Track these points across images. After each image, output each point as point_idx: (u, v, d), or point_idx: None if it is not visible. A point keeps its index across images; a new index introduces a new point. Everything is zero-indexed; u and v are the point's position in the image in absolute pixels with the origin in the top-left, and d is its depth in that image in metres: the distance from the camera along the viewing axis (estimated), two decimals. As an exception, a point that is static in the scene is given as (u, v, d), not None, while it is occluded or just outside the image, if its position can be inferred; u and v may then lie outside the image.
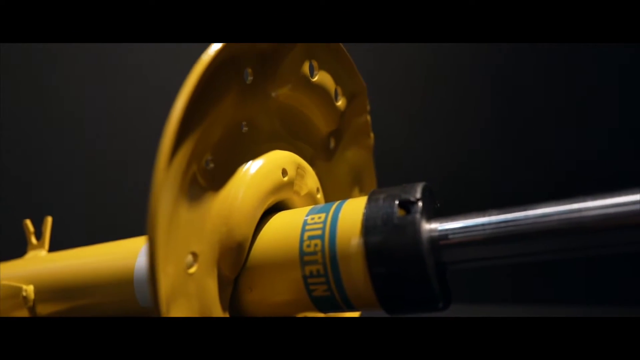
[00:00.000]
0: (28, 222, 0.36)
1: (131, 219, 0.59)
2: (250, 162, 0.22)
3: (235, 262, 0.21)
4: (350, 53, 0.27)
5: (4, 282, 0.31)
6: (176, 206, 0.18)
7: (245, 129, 0.23)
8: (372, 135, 0.32)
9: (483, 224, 0.19)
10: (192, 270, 0.19)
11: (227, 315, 0.21)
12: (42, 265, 0.31)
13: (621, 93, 0.62)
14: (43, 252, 0.35)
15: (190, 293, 0.19)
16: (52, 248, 0.37)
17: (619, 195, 0.17)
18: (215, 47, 0.18)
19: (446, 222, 0.20)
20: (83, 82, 0.63)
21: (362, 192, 0.32)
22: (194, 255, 0.19)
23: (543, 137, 0.63)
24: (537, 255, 0.19)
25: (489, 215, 0.19)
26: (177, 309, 0.18)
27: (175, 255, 0.18)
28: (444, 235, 0.19)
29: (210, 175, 0.20)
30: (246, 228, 0.21)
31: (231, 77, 0.20)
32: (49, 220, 0.35)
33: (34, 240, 0.35)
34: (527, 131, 0.64)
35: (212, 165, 0.20)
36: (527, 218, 0.18)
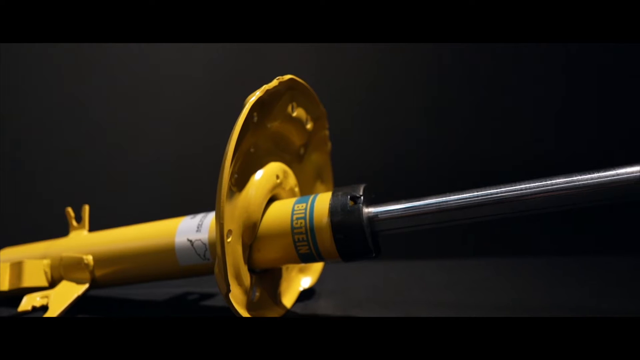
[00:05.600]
0: (69, 209, 0.46)
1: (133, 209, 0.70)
2: (257, 172, 0.35)
3: (251, 234, 0.34)
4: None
5: (64, 254, 0.42)
6: (225, 204, 0.31)
7: (252, 150, 0.35)
8: (329, 143, 0.45)
9: (397, 209, 0.33)
10: (229, 240, 0.32)
11: (246, 266, 0.34)
12: (93, 240, 0.42)
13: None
14: (84, 232, 0.46)
15: (229, 253, 0.32)
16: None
17: (470, 191, 0.32)
18: (246, 107, 0.31)
19: (377, 207, 0.34)
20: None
21: (323, 183, 0.46)
22: (230, 231, 0.32)
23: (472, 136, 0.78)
24: (428, 226, 0.33)
25: (401, 203, 0.33)
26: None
27: (223, 231, 0.31)
28: (376, 215, 0.33)
29: (236, 183, 0.33)
30: (258, 213, 0.34)
31: (250, 121, 0.33)
32: (86, 207, 0.46)
33: (74, 223, 0.46)
34: (456, 130, 0.78)
35: (236, 176, 0.33)
36: (419, 205, 0.32)
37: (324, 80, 0.76)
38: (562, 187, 0.29)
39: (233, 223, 0.32)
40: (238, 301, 0.32)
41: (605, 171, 0.28)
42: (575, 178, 0.29)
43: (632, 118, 0.74)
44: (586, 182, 0.29)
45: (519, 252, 0.67)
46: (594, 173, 0.29)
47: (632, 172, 0.27)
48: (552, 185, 0.30)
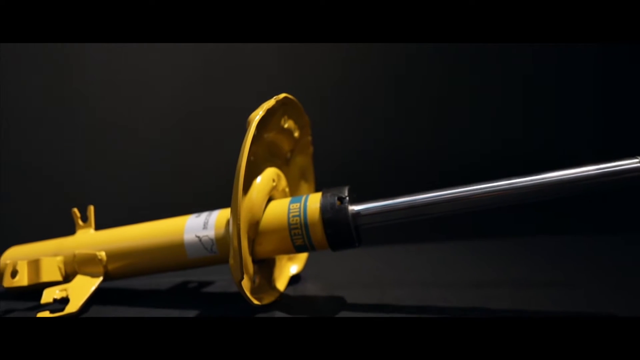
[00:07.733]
0: (75, 210, 0.50)
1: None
2: (257, 177, 0.42)
3: (255, 230, 0.41)
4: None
5: (77, 251, 0.46)
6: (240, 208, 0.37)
7: (252, 158, 0.41)
8: (311, 147, 0.52)
9: (376, 206, 0.40)
10: (238, 236, 0.38)
11: (250, 258, 0.41)
12: (104, 238, 0.47)
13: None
14: (91, 231, 0.50)
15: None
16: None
17: (435, 191, 0.39)
18: (252, 126, 0.37)
19: (359, 205, 0.41)
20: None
21: (306, 182, 0.53)
22: (239, 228, 0.38)
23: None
24: (401, 220, 0.41)
25: (379, 201, 0.41)
26: (236, 255, 0.37)
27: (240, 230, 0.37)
28: (359, 212, 0.40)
29: (242, 188, 0.39)
30: (260, 212, 0.41)
31: (254, 136, 0.39)
32: (92, 208, 0.50)
33: (80, 222, 0.50)
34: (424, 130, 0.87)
35: (242, 181, 0.39)
36: (394, 203, 0.40)
37: (299, 79, 0.82)
38: (504, 188, 0.38)
39: (241, 221, 0.39)
40: (246, 287, 0.38)
41: (537, 174, 0.37)
42: (514, 180, 0.37)
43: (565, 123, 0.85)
44: (522, 184, 0.37)
45: (479, 236, 0.77)
46: (529, 176, 0.37)
47: (556, 177, 0.36)
48: (496, 186, 0.38)
